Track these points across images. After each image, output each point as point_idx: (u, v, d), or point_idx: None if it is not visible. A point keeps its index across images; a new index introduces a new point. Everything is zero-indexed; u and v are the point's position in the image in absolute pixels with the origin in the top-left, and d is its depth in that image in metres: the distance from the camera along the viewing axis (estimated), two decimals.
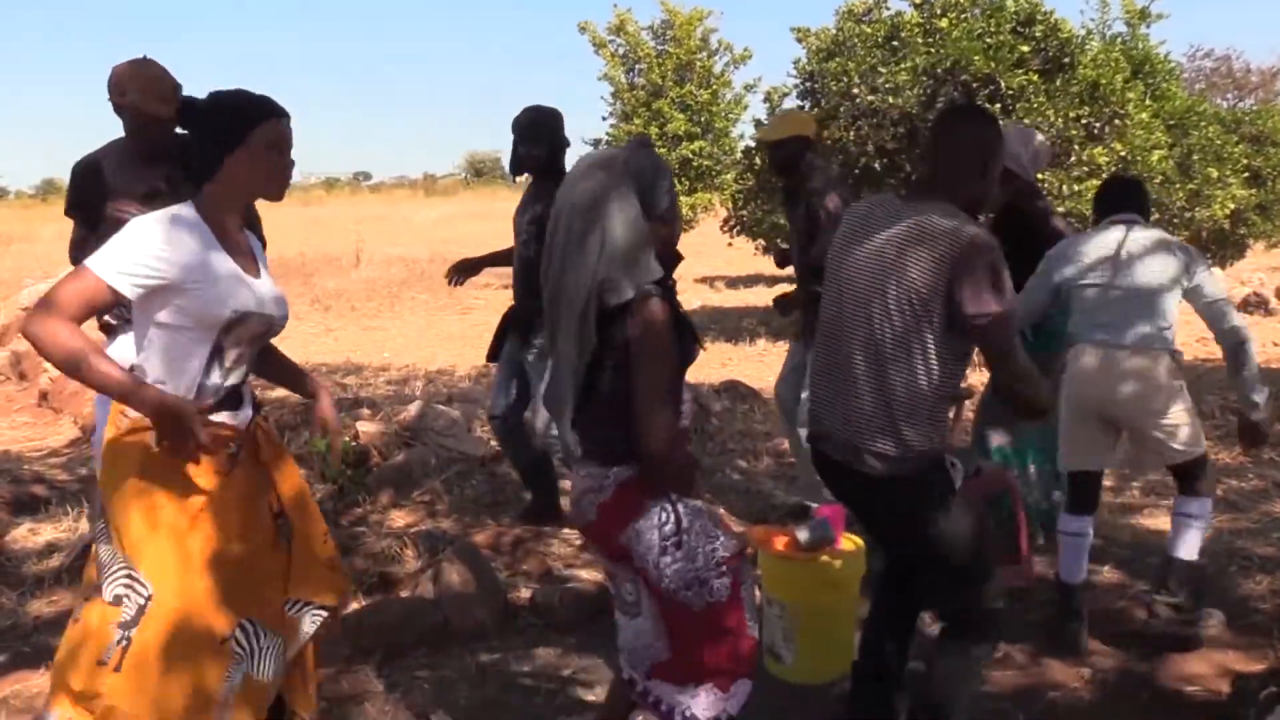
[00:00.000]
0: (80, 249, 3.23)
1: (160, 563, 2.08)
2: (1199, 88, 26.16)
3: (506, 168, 4.24)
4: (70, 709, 2.09)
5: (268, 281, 2.26)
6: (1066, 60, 10.37)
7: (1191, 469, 3.36)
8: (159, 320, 2.07)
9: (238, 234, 2.22)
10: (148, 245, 2.00)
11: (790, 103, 12.63)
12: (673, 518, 2.12)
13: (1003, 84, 9.99)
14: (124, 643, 2.07)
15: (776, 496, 4.97)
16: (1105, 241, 3.36)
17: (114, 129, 3.31)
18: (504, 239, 4.45)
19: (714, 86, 15.98)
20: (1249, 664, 3.10)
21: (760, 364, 9.46)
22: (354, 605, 3.57)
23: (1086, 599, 3.39)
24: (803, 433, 4.22)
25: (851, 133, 10.68)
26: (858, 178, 11.25)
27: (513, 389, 4.23)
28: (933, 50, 10.37)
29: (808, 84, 11.81)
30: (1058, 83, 10.19)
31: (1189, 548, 3.35)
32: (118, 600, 2.08)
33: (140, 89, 3.11)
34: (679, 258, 2.21)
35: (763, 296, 15.31)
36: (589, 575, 3.92)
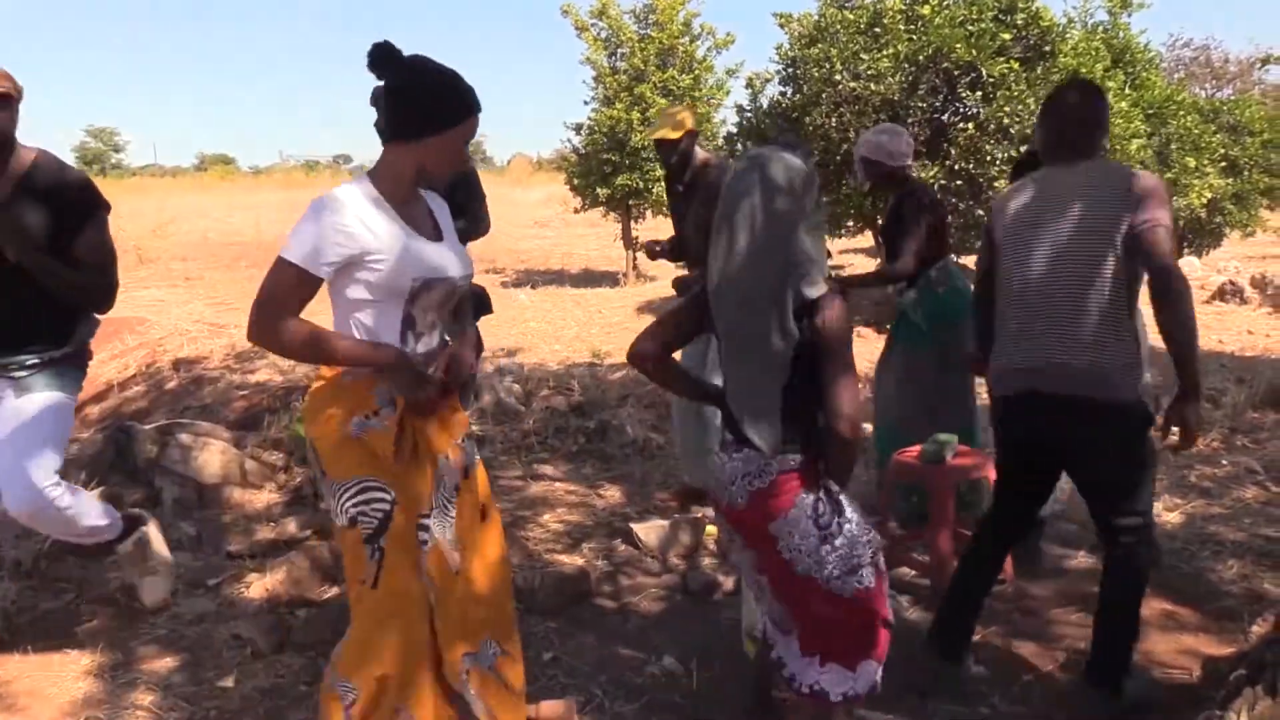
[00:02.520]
0: None
1: (383, 469, 2.17)
2: (1178, 77, 26.31)
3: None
4: (350, 665, 2.21)
5: (451, 243, 2.28)
6: (1047, 48, 10.40)
7: None
8: (350, 297, 2.13)
9: (415, 201, 2.24)
10: (330, 223, 2.05)
11: (772, 89, 12.62)
12: (828, 507, 2.17)
13: (984, 72, 10.02)
14: (377, 555, 2.18)
15: None
16: None
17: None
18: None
19: (696, 71, 15.90)
20: (1219, 647, 3.15)
21: None
22: (335, 590, 3.58)
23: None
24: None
25: (833, 119, 10.69)
26: (839, 164, 11.27)
27: None
28: (915, 37, 10.37)
29: (790, 70, 11.80)
30: (1038, 71, 10.22)
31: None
32: (353, 521, 2.17)
33: None
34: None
35: None
36: (570, 560, 3.94)
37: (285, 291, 2.07)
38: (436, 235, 2.24)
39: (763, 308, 2.11)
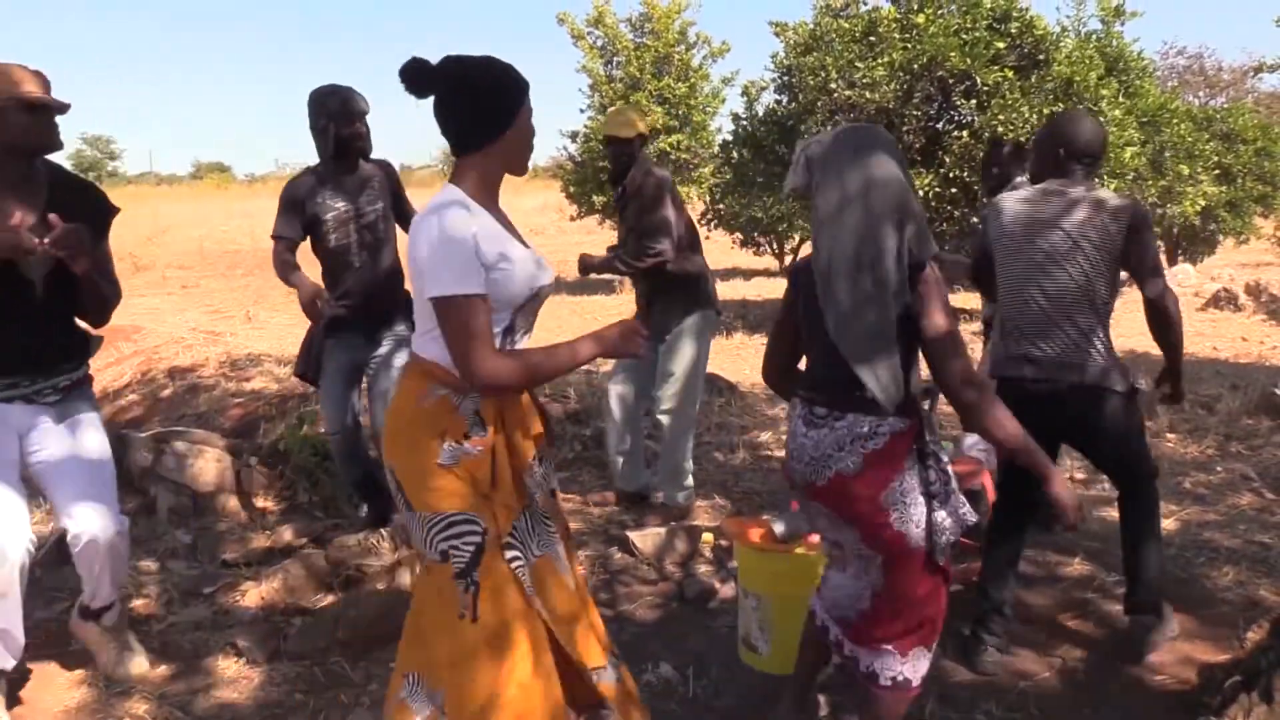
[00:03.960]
0: None
1: (473, 498, 2.04)
2: (1171, 85, 26.43)
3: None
4: (445, 686, 2.04)
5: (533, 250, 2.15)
6: (1041, 57, 10.45)
7: None
8: None
9: (499, 208, 2.12)
10: (469, 235, 1.93)
11: (768, 97, 12.66)
12: (939, 474, 2.16)
13: (978, 80, 10.06)
14: (472, 588, 2.03)
15: (754, 489, 5.00)
16: None
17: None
18: None
19: (692, 80, 15.97)
20: (1215, 654, 3.16)
21: (737, 357, 9.49)
22: (330, 598, 3.57)
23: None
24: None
25: (829, 128, 10.72)
26: None
27: (351, 402, 4.03)
28: (909, 46, 10.41)
29: (785, 78, 11.85)
30: (1032, 79, 10.27)
31: None
32: (445, 556, 2.04)
33: (12, 86, 2.49)
34: None
35: (739, 290, 15.33)
36: None
37: (484, 325, 1.95)
38: (525, 244, 2.13)
39: (864, 277, 2.10)
